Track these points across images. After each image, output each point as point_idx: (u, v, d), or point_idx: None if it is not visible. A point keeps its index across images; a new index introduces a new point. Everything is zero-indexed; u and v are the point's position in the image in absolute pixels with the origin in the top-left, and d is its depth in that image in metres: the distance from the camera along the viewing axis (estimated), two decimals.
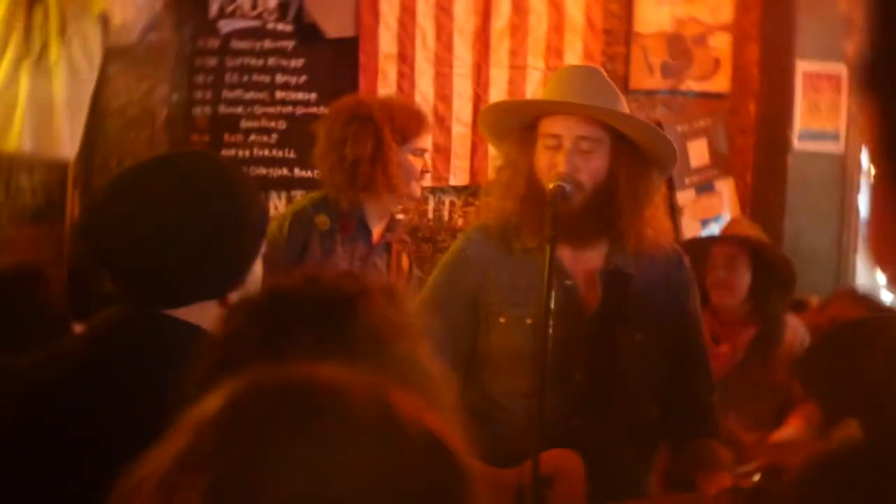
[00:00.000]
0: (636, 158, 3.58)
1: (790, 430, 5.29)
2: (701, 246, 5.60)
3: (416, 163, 4.77)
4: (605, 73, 3.76)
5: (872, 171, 0.84)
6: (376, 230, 4.86)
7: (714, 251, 5.43)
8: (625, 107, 3.67)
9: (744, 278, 5.36)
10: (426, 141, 4.81)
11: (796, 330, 5.52)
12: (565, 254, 3.55)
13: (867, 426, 1.91)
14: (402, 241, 5.08)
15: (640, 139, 3.58)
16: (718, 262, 5.38)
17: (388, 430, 1.25)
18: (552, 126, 3.54)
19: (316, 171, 4.93)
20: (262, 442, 1.23)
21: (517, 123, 3.64)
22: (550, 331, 3.25)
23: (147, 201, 2.48)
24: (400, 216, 6.08)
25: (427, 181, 6.25)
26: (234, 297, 2.50)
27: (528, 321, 3.54)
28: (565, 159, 3.49)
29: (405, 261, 5.05)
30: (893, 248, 0.83)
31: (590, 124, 3.53)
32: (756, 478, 4.35)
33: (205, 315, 2.38)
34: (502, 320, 3.60)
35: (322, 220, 4.73)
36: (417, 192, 4.95)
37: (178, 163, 2.65)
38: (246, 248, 2.57)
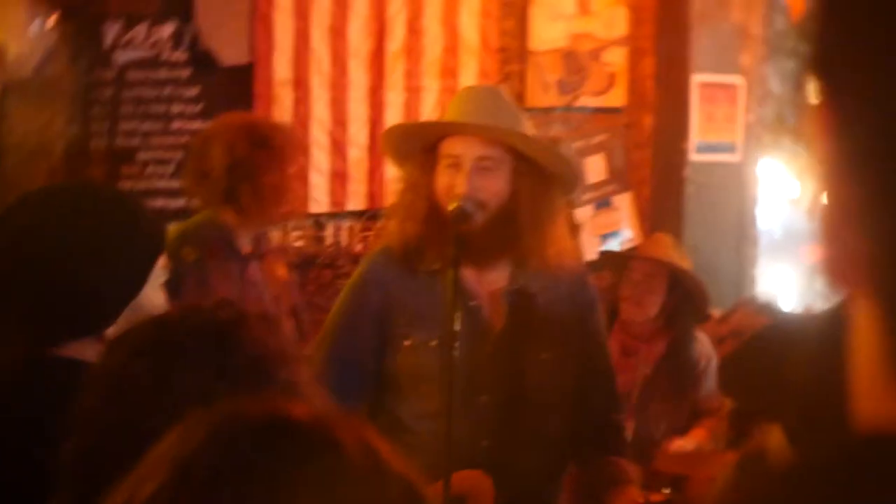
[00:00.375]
0: (538, 178, 3.57)
1: (693, 440, 5.33)
2: (619, 259, 5.63)
3: (281, 188, 4.76)
4: (506, 93, 3.76)
5: (824, 156, 0.86)
6: (245, 247, 4.83)
7: (633, 266, 5.45)
8: (527, 126, 3.68)
9: (657, 297, 5.39)
10: (291, 167, 4.81)
11: (704, 344, 5.57)
12: (469, 275, 3.55)
13: (790, 430, 1.92)
14: (277, 249, 5.07)
15: (542, 159, 3.59)
16: (635, 279, 5.39)
17: (377, 474, 1.25)
18: (452, 147, 3.53)
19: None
20: (258, 481, 1.22)
21: (418, 145, 3.63)
22: (456, 352, 3.28)
23: (32, 225, 2.48)
24: (298, 243, 6.09)
25: (325, 207, 6.28)
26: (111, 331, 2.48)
27: (433, 343, 3.53)
28: (465, 180, 3.48)
29: (281, 269, 5.04)
30: (843, 231, 0.85)
31: (489, 144, 3.53)
32: (666, 491, 4.38)
33: (87, 351, 2.38)
34: (407, 343, 3.58)
35: (187, 252, 4.69)
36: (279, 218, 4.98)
37: (63, 191, 2.66)
38: (128, 279, 2.56)
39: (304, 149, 6.08)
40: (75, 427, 1.79)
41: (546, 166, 3.59)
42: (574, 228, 6.64)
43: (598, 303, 3.84)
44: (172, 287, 4.66)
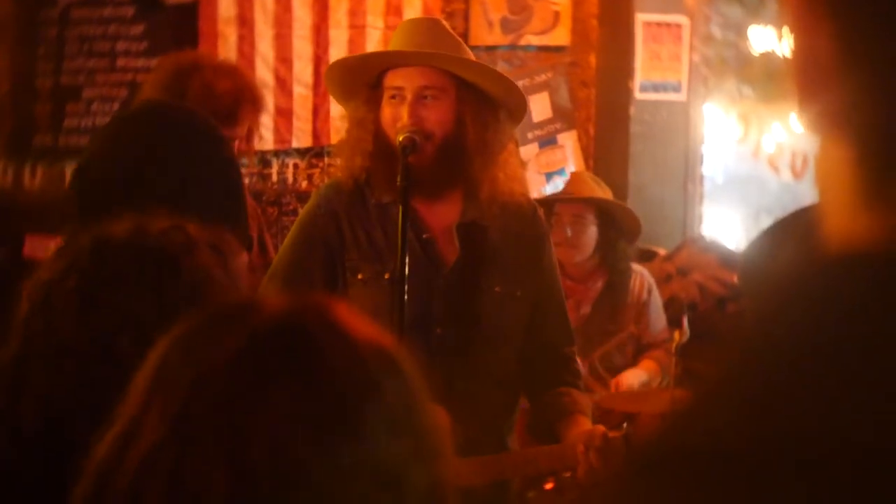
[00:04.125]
0: (483, 105, 3.58)
1: (641, 371, 5.36)
2: (545, 204, 5.64)
3: None
4: (446, 24, 3.76)
5: (797, 11, 0.86)
6: None
7: (559, 210, 5.45)
8: (469, 55, 3.66)
9: (590, 235, 5.41)
10: (238, 130, 4.37)
11: (643, 277, 5.59)
12: (421, 208, 3.54)
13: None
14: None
15: (485, 85, 3.59)
16: (565, 221, 5.40)
17: (347, 350, 1.34)
18: (394, 79, 3.52)
19: None
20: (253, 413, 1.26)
21: (362, 81, 3.62)
22: (407, 285, 3.26)
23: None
24: (245, 180, 6.06)
25: (270, 145, 6.25)
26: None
27: (387, 276, 3.53)
28: (408, 110, 3.47)
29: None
30: (817, 84, 0.85)
31: (432, 74, 3.52)
32: (624, 425, 4.40)
33: None
34: (360, 276, 3.57)
35: None
36: None
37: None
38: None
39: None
40: (8, 332, 1.78)
41: (490, 92, 3.59)
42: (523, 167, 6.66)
43: (549, 236, 3.85)
44: None
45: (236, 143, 4.32)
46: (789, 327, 0.81)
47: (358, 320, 1.36)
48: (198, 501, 1.22)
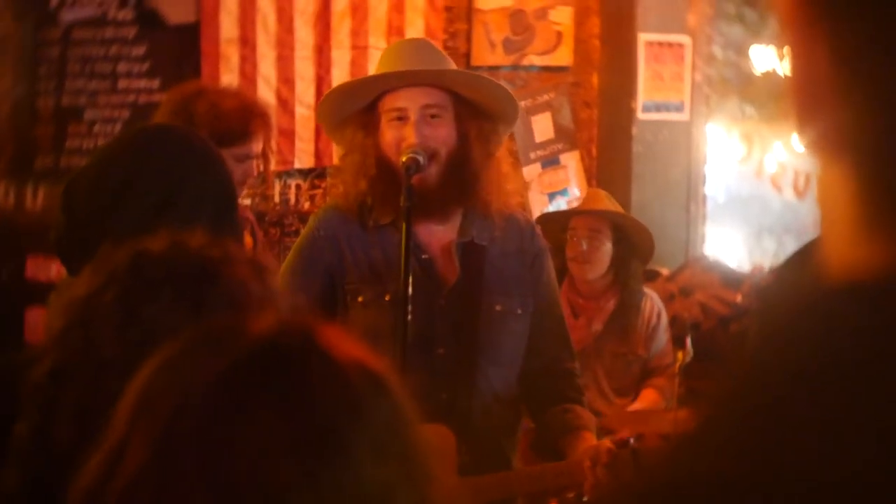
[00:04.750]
0: (482, 120, 3.62)
1: (643, 403, 5.35)
2: (559, 219, 5.63)
3: (237, 169, 4.45)
4: (433, 43, 3.78)
5: (795, 27, 0.85)
6: None
7: (575, 224, 5.45)
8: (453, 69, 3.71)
9: (605, 251, 5.40)
10: (253, 147, 4.37)
11: (653, 301, 5.58)
12: (419, 229, 3.53)
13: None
14: (242, 219, 4.98)
15: (481, 97, 3.61)
16: (580, 235, 5.40)
17: (332, 375, 1.31)
18: (395, 101, 3.54)
19: None
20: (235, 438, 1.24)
21: (357, 105, 3.63)
22: (410, 306, 3.25)
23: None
24: (246, 201, 6.05)
25: (272, 166, 6.23)
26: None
27: (387, 298, 3.52)
28: (413, 131, 3.49)
29: (247, 238, 4.97)
30: (816, 105, 0.84)
31: (433, 93, 3.55)
32: (630, 441, 4.40)
33: None
34: (361, 299, 3.57)
35: None
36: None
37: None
38: None
39: None
40: (44, 348, 1.77)
41: (486, 106, 3.62)
42: (523, 185, 6.66)
43: (547, 252, 3.84)
44: None
45: (255, 162, 4.34)
46: (788, 357, 0.81)
47: (346, 342, 1.34)
48: None
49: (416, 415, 1.38)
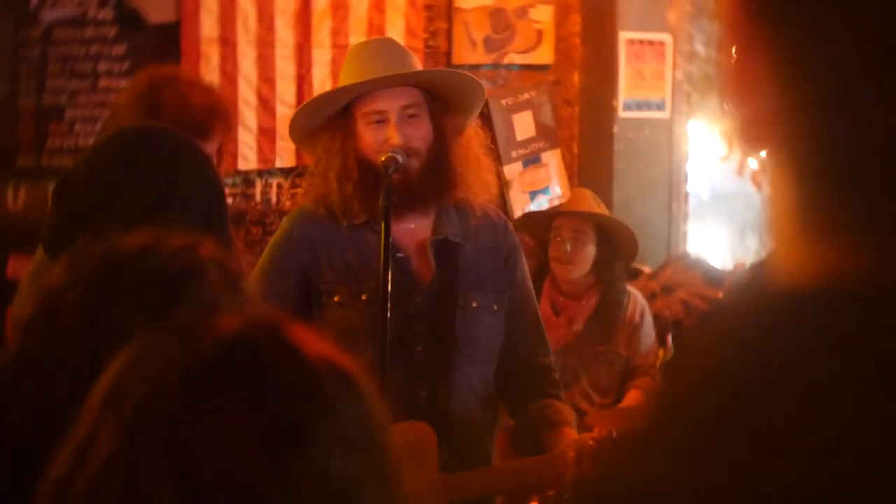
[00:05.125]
0: (453, 112, 3.68)
1: (628, 405, 5.34)
2: (543, 218, 5.63)
3: None
4: (397, 41, 3.81)
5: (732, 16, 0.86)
6: None
7: (559, 224, 5.44)
8: (419, 65, 3.76)
9: (588, 252, 5.40)
10: (209, 146, 4.27)
11: (636, 299, 5.58)
12: (393, 227, 3.51)
13: None
14: None
15: (452, 92, 3.67)
16: (564, 237, 5.39)
17: (301, 372, 1.31)
18: (373, 104, 3.57)
19: None
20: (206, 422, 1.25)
21: (329, 112, 3.65)
22: (388, 303, 3.27)
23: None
24: (228, 200, 6.04)
25: (253, 164, 6.23)
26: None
27: (364, 297, 3.55)
28: (395, 131, 3.53)
29: None
30: (749, 89, 0.84)
31: (408, 92, 3.59)
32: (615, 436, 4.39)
33: None
34: (337, 299, 3.58)
35: None
36: None
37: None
38: None
39: (232, 106, 5.96)
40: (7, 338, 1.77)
41: (455, 99, 3.68)
42: (500, 184, 6.66)
43: (520, 249, 3.86)
44: None
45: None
46: (728, 362, 0.81)
47: (314, 339, 1.35)
48: None
49: (386, 413, 1.38)
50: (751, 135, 0.88)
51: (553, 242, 5.41)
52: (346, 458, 1.27)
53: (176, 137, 2.62)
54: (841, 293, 0.79)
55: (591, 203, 5.54)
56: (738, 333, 0.83)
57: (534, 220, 5.74)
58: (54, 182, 2.48)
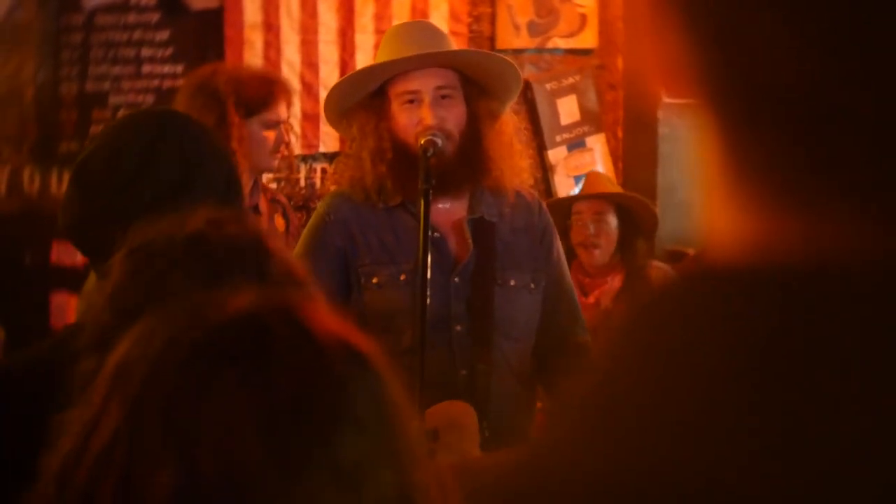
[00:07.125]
0: (488, 96, 3.69)
1: None
2: (561, 207, 5.62)
3: (269, 135, 4.54)
4: (432, 23, 3.83)
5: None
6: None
7: (579, 209, 5.45)
8: (455, 48, 3.79)
9: (612, 232, 5.41)
10: (280, 112, 4.54)
11: (665, 275, 5.56)
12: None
13: None
14: (273, 201, 4.99)
15: (487, 75, 3.66)
16: (586, 219, 5.40)
17: (308, 351, 1.30)
18: (407, 84, 3.58)
19: None
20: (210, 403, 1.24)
21: (363, 93, 3.67)
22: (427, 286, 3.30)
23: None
24: (272, 185, 6.05)
25: (297, 149, 6.22)
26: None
27: (402, 278, 3.58)
28: (429, 112, 3.54)
29: (279, 221, 4.96)
30: (680, 80, 0.79)
31: (444, 74, 3.61)
32: None
33: None
34: (375, 280, 3.61)
35: None
36: (273, 165, 4.76)
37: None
38: None
39: None
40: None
41: (490, 83, 3.68)
42: (544, 169, 6.66)
43: (555, 229, 3.89)
44: None
45: (283, 129, 4.54)
46: (647, 346, 0.77)
47: (327, 319, 1.34)
48: (142, 500, 1.20)
49: (408, 397, 1.36)
50: (669, 83, 0.82)
51: (575, 227, 5.42)
52: (356, 441, 1.25)
53: (192, 119, 2.67)
54: (783, 272, 0.73)
55: (606, 184, 5.60)
56: (662, 317, 0.79)
57: (552, 209, 5.73)
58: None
